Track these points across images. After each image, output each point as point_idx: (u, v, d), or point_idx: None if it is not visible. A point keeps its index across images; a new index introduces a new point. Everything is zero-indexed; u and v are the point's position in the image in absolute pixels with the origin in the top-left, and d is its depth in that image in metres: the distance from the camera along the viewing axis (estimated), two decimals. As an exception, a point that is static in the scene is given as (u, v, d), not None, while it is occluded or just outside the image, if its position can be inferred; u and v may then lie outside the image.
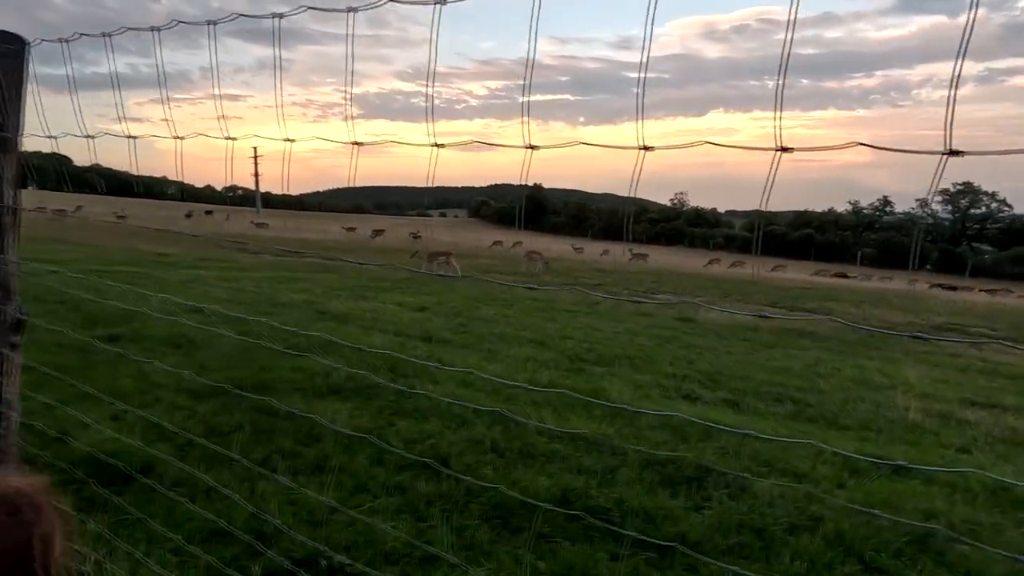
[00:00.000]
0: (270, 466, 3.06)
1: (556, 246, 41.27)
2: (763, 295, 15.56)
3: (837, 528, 2.74)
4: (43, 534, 0.32)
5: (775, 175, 0.80)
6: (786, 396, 5.12)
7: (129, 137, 2.03)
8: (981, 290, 28.27)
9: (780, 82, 0.71)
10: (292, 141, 1.17)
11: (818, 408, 4.83)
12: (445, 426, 3.76)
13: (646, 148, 0.84)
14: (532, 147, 0.88)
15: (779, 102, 0.72)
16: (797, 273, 35.29)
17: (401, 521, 2.62)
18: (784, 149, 0.76)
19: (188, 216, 39.83)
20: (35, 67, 2.29)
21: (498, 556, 2.44)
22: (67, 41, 1.79)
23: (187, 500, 2.62)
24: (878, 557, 2.52)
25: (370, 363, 5.07)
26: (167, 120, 1.83)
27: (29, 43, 1.99)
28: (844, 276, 37.41)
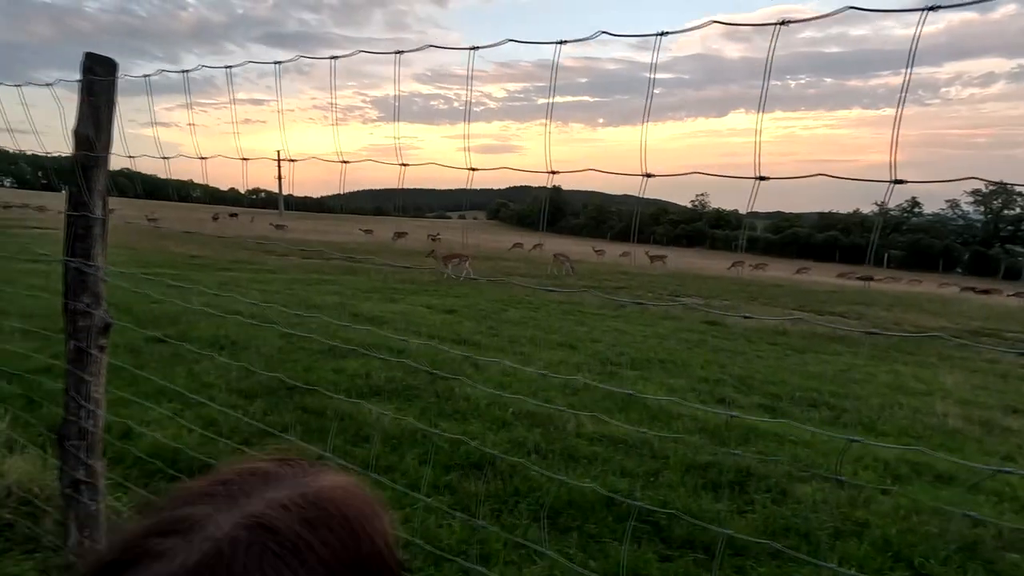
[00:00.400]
0: (323, 465, 3.17)
1: (576, 248, 41.26)
2: (790, 299, 15.39)
3: (884, 534, 2.76)
4: (386, 528, 0.40)
5: (887, 203, 0.84)
6: (821, 401, 5.11)
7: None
8: (1010, 294, 27.46)
9: (897, 116, 0.76)
10: (404, 165, 1.26)
11: (854, 413, 4.81)
12: (487, 428, 3.85)
13: (762, 178, 0.90)
14: (648, 175, 0.95)
15: (896, 137, 0.78)
16: (822, 276, 34.73)
17: (454, 520, 2.71)
18: (899, 182, 0.81)
19: (215, 219, 40.65)
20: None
21: (549, 555, 2.51)
22: (187, 72, 1.92)
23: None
24: (927, 563, 2.54)
25: (408, 365, 5.18)
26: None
27: (119, 66, 2.13)
28: (869, 279, 36.68)
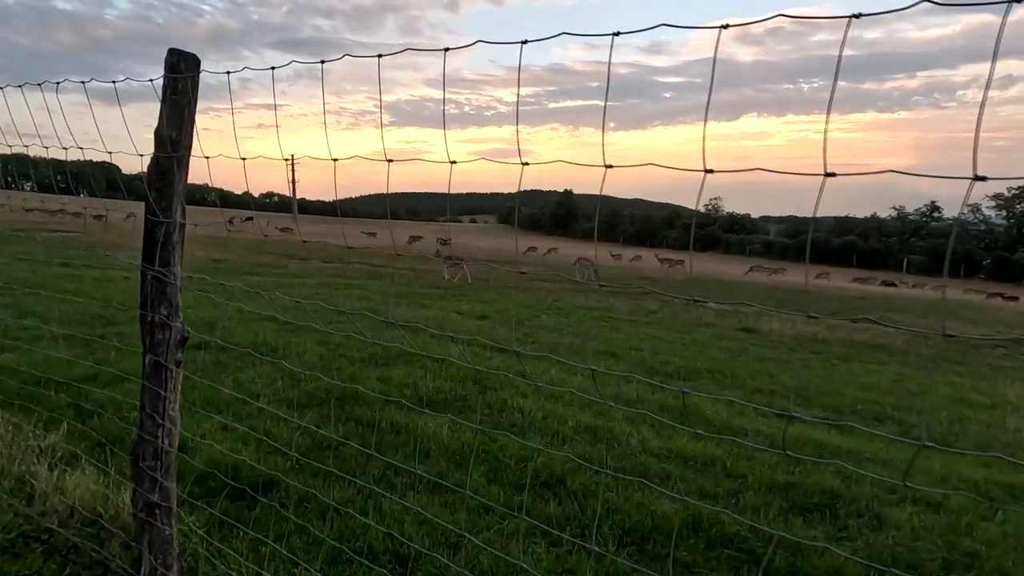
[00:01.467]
0: (387, 482, 3.03)
1: (591, 252, 41.04)
2: (820, 305, 15.09)
3: (999, 565, 2.56)
4: None
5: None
6: (885, 415, 4.89)
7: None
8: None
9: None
10: (525, 164, 1.10)
11: (924, 428, 4.59)
12: (547, 442, 3.68)
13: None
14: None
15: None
16: (840, 281, 34.20)
17: (535, 546, 2.54)
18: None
19: (230, 222, 40.85)
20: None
21: (645, 587, 2.34)
22: (274, 68, 1.79)
23: (318, 519, 2.61)
24: (1058, 601, 2.33)
25: (452, 374, 5.03)
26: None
27: (201, 63, 2.00)
28: (892, 284, 36.10)
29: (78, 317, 5.93)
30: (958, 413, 5.08)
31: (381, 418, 3.84)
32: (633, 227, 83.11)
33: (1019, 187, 56.52)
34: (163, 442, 2.06)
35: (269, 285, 10.72)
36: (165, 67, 1.96)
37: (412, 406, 4.14)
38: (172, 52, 1.96)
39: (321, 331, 6.14)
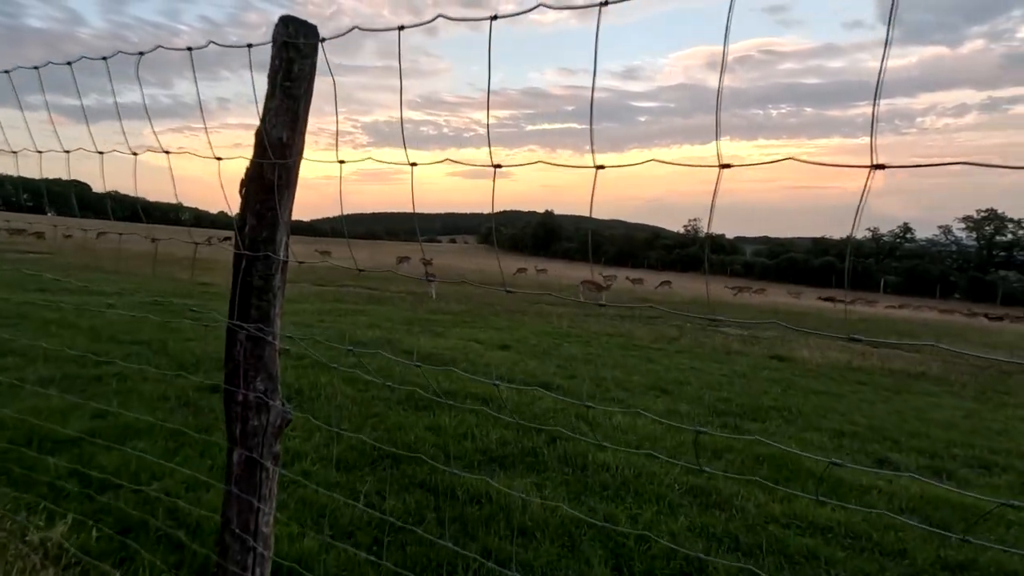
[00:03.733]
0: (492, 577, 2.41)
1: (574, 273, 40.77)
2: (830, 329, 14.83)
3: None
4: None
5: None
6: (988, 461, 4.44)
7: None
8: (1016, 318, 27.33)
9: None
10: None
11: (1039, 478, 4.14)
12: (656, 511, 3.11)
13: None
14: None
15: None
16: (818, 301, 34.47)
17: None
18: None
19: (208, 243, 39.56)
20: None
21: None
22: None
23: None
24: None
25: (508, 421, 4.43)
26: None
27: (322, 40, 1.44)
28: (853, 302, 36.51)
29: (66, 353, 5.17)
30: (1061, 457, 4.66)
31: (452, 483, 3.21)
32: (614, 247, 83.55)
33: (988, 209, 58.47)
34: (254, 574, 1.44)
35: (266, 311, 9.99)
36: (273, 45, 1.40)
37: (481, 467, 3.55)
38: (285, 21, 1.39)
39: (343, 366, 5.49)
